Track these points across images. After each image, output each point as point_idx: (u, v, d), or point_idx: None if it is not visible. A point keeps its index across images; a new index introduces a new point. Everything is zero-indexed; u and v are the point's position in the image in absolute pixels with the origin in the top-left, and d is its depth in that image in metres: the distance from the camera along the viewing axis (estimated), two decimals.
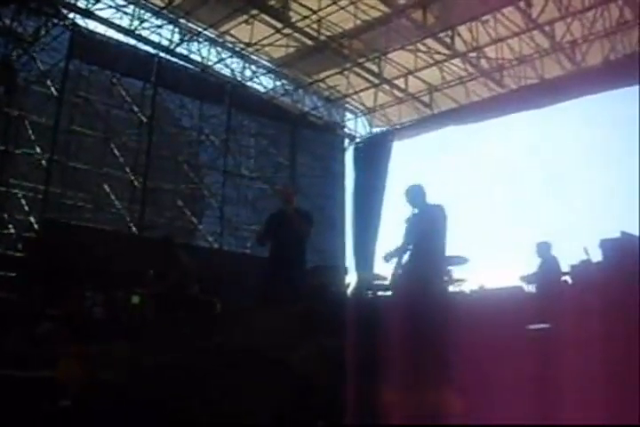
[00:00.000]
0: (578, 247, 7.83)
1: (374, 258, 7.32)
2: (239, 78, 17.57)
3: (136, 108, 15.98)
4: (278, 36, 16.04)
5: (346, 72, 17.31)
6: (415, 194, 7.42)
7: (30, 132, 14.06)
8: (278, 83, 18.45)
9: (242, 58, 17.35)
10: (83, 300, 10.52)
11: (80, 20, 14.77)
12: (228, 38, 16.56)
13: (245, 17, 15.50)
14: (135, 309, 10.02)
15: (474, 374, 4.22)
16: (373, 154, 7.19)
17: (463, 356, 4.33)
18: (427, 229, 7.00)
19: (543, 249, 9.82)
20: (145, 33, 15.78)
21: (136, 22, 15.46)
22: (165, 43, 16.17)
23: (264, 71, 17.92)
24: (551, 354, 4.01)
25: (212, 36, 16.55)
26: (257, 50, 16.82)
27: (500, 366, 4.19)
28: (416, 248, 7.13)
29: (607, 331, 3.83)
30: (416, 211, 7.37)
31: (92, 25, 15.00)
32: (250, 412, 4.76)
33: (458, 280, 9.87)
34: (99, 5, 14.80)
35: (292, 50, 16.70)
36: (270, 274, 7.92)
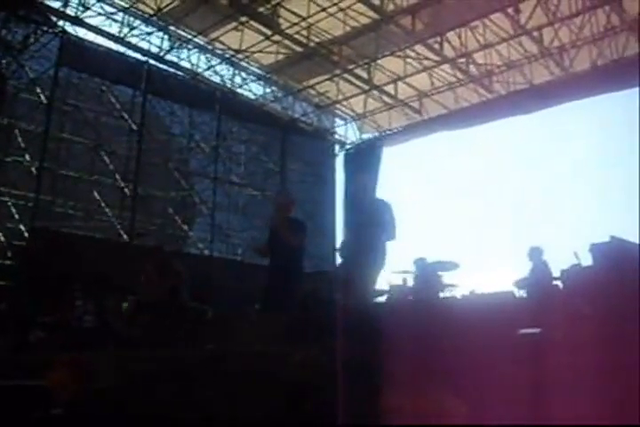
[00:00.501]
0: (568, 252, 7.87)
1: None
2: (229, 85, 17.59)
3: (126, 116, 15.95)
4: (268, 42, 16.07)
5: (335, 78, 17.35)
6: (361, 187, 7.41)
7: (20, 139, 14.02)
8: (268, 89, 18.49)
9: (232, 65, 17.38)
10: (73, 308, 10.48)
11: (69, 28, 14.75)
12: (218, 45, 16.58)
13: (235, 24, 15.54)
14: (127, 316, 9.98)
15: (465, 379, 4.23)
16: (364, 160, 7.22)
17: (454, 361, 4.34)
18: (369, 222, 6.93)
19: (535, 254, 9.86)
20: (134, 40, 15.81)
21: (126, 29, 15.47)
22: (155, 50, 16.19)
23: (254, 78, 17.95)
24: (543, 358, 4.02)
25: (202, 43, 16.56)
26: (247, 57, 16.85)
27: (491, 371, 4.19)
28: (358, 241, 7.05)
29: (598, 334, 3.85)
30: (361, 203, 7.33)
31: (82, 32, 14.99)
32: (243, 417, 4.76)
33: (449, 285, 9.91)
34: (88, 13, 14.80)
35: (281, 56, 16.74)
36: (268, 284, 7.90)
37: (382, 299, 9.25)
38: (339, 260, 7.58)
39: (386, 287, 9.76)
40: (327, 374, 4.32)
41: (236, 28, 15.65)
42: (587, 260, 6.59)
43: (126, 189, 15.46)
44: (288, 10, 14.95)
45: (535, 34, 14.53)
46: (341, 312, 4.93)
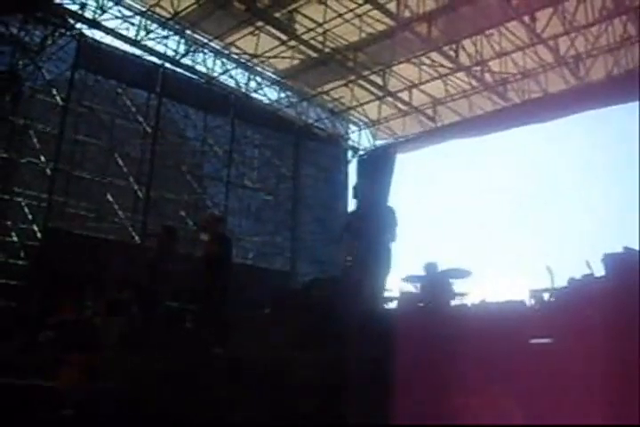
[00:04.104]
0: (580, 261, 7.83)
1: None
2: (244, 90, 17.64)
3: (140, 118, 16.03)
4: (283, 47, 16.12)
5: (350, 84, 17.36)
6: (362, 191, 7.50)
7: (35, 140, 14.10)
8: (283, 94, 18.53)
9: (247, 69, 17.43)
10: (82, 308, 10.50)
11: (86, 31, 14.87)
12: (234, 50, 16.64)
13: (251, 29, 15.59)
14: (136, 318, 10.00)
15: (475, 386, 4.21)
16: (377, 166, 7.22)
17: (464, 369, 4.32)
18: (372, 225, 7.03)
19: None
20: (151, 44, 15.89)
21: (142, 33, 15.55)
22: (171, 53, 16.28)
23: (269, 83, 17.99)
24: (554, 368, 4.00)
25: (218, 47, 16.63)
26: (262, 61, 16.91)
27: (501, 379, 4.17)
28: (362, 242, 7.14)
29: (610, 345, 3.83)
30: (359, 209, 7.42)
31: (99, 35, 15.13)
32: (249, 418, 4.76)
33: (460, 293, 9.84)
34: (105, 16, 14.89)
35: (296, 62, 16.77)
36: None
37: (392, 306, 9.19)
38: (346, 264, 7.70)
39: (396, 294, 9.70)
40: (332, 379, 4.31)
41: (251, 33, 15.71)
42: (599, 270, 6.56)
43: (139, 192, 15.52)
44: (304, 15, 14.99)
45: (551, 43, 14.49)
46: (352, 317, 4.93)
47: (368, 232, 7.00)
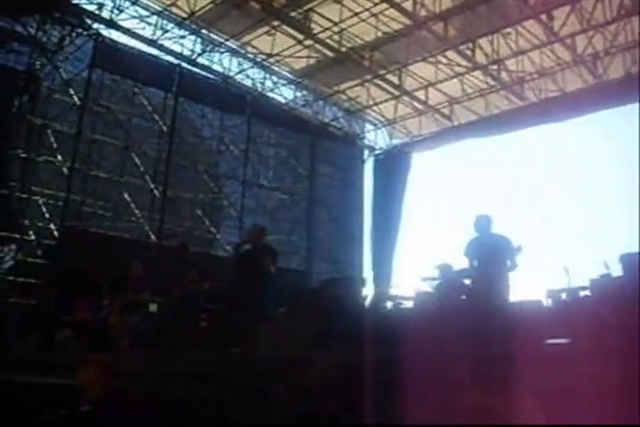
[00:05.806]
0: (598, 261, 7.79)
1: (392, 270, 7.32)
2: (260, 89, 17.66)
3: (157, 118, 16.08)
4: (299, 47, 16.13)
5: (366, 84, 17.35)
6: (483, 223, 7.61)
7: (52, 139, 14.19)
8: (299, 94, 18.53)
9: (263, 68, 17.45)
10: (99, 308, 10.54)
11: (104, 30, 14.90)
12: (250, 49, 16.66)
13: (267, 28, 15.60)
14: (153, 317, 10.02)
15: (491, 386, 4.19)
16: (393, 166, 7.20)
17: (479, 367, 4.31)
18: (491, 256, 7.19)
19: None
20: (167, 43, 15.93)
21: (159, 32, 15.60)
22: (187, 53, 16.32)
23: (285, 82, 18.00)
24: (570, 368, 3.97)
25: (234, 46, 16.65)
26: (278, 61, 16.92)
27: (516, 379, 4.15)
28: (479, 273, 7.31)
29: (626, 345, 3.80)
30: (480, 237, 7.55)
31: (116, 35, 15.16)
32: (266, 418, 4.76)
33: None
34: (122, 16, 14.95)
35: (313, 61, 16.77)
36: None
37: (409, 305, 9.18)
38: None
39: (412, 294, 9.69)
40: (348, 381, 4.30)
41: (268, 33, 15.72)
42: (617, 270, 6.52)
43: (155, 191, 15.56)
44: (320, 15, 14.98)
45: (568, 41, 14.40)
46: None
47: (486, 260, 7.16)
